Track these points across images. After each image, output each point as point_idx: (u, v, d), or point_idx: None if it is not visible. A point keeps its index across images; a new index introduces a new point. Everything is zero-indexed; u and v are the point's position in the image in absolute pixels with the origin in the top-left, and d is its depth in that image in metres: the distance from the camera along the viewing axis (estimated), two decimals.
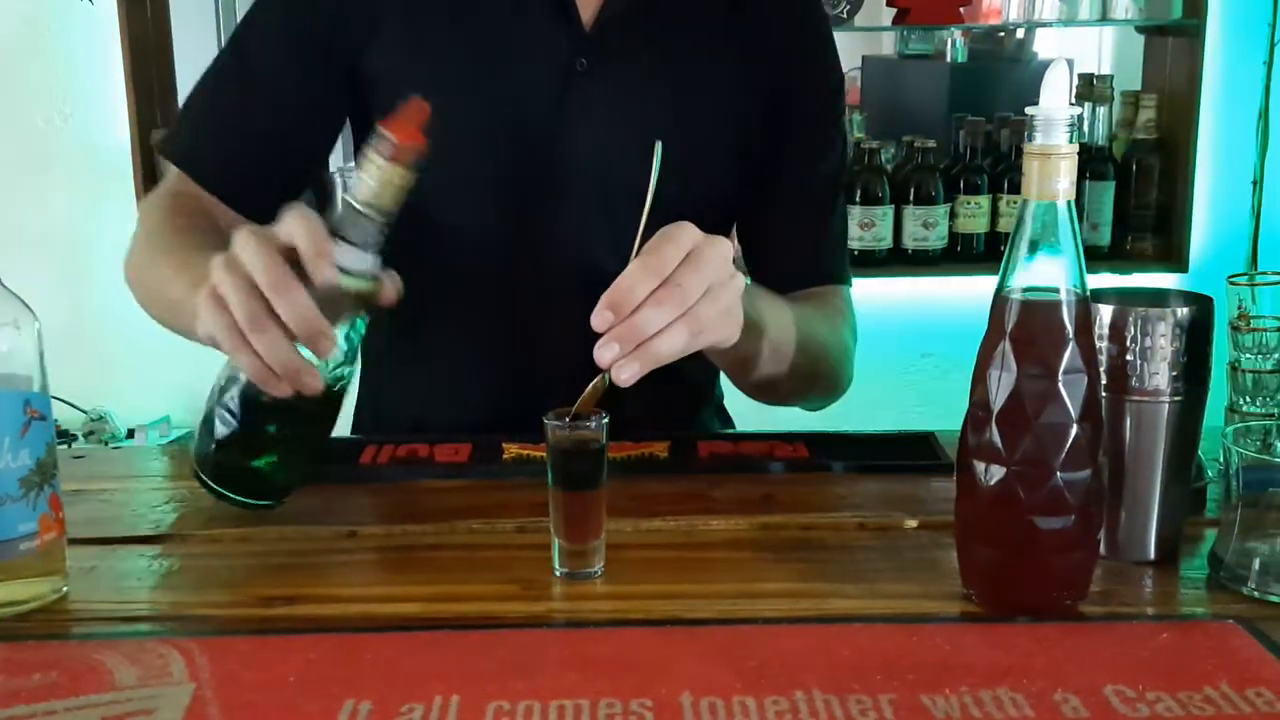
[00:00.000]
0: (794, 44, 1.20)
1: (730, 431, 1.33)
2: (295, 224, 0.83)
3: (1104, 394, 0.81)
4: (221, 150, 1.14)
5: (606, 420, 0.85)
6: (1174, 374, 0.83)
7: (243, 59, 1.16)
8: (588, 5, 1.12)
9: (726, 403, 1.36)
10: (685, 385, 1.26)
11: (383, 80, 1.13)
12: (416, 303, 1.02)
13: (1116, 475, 0.84)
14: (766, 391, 1.13)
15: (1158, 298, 0.86)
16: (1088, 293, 0.78)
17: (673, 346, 0.83)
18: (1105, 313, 0.83)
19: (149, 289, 1.09)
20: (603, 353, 0.81)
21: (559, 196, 1.14)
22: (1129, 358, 0.83)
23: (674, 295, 0.82)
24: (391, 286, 0.88)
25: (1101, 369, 0.81)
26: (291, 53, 1.14)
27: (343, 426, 1.25)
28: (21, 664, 0.73)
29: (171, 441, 2.46)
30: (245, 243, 0.82)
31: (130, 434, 2.51)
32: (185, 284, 0.94)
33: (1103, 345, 0.83)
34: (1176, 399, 0.84)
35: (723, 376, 1.31)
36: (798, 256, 1.22)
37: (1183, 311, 0.83)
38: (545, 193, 1.14)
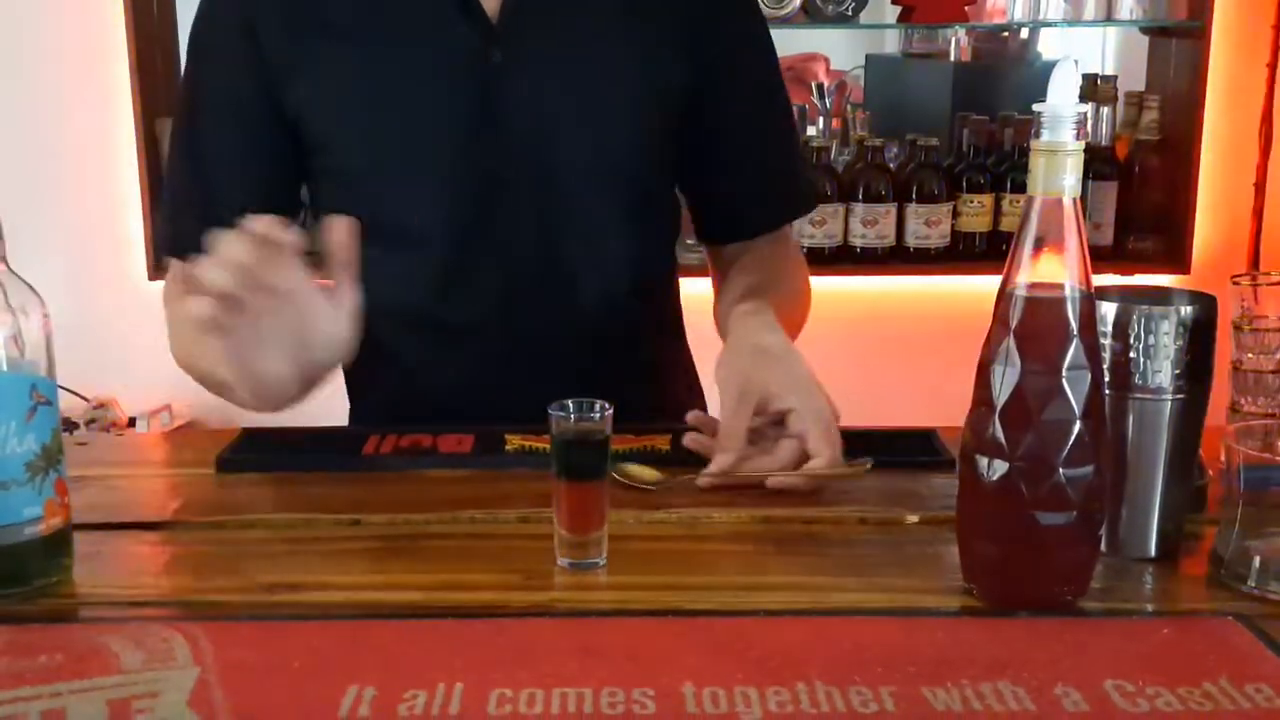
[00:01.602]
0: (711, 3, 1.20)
1: None
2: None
3: (1107, 391, 0.81)
4: (200, 230, 1.15)
5: (610, 411, 0.85)
6: (1176, 372, 0.83)
7: (191, 137, 1.18)
8: None
9: None
10: (651, 365, 1.29)
11: (304, 114, 1.14)
12: (382, 317, 1.03)
13: (1118, 472, 0.84)
14: None
15: (1161, 296, 0.86)
16: (1092, 290, 0.78)
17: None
18: (1109, 310, 0.84)
19: (200, 373, 1.13)
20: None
21: (501, 189, 1.15)
22: (1132, 355, 0.83)
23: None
24: None
25: (1105, 366, 0.82)
26: (230, 115, 1.16)
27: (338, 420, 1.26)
28: (27, 646, 0.74)
29: (174, 430, 2.46)
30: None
31: (132, 422, 2.51)
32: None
33: (1106, 343, 0.83)
34: (1179, 397, 0.84)
35: (690, 354, 1.35)
36: (758, 207, 1.27)
37: (1186, 310, 0.83)
38: (487, 188, 1.15)
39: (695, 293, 1.33)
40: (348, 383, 1.28)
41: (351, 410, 1.32)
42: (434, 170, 1.15)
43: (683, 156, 1.24)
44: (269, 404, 1.00)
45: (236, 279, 0.87)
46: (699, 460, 1.02)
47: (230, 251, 0.87)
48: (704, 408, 1.33)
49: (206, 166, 1.17)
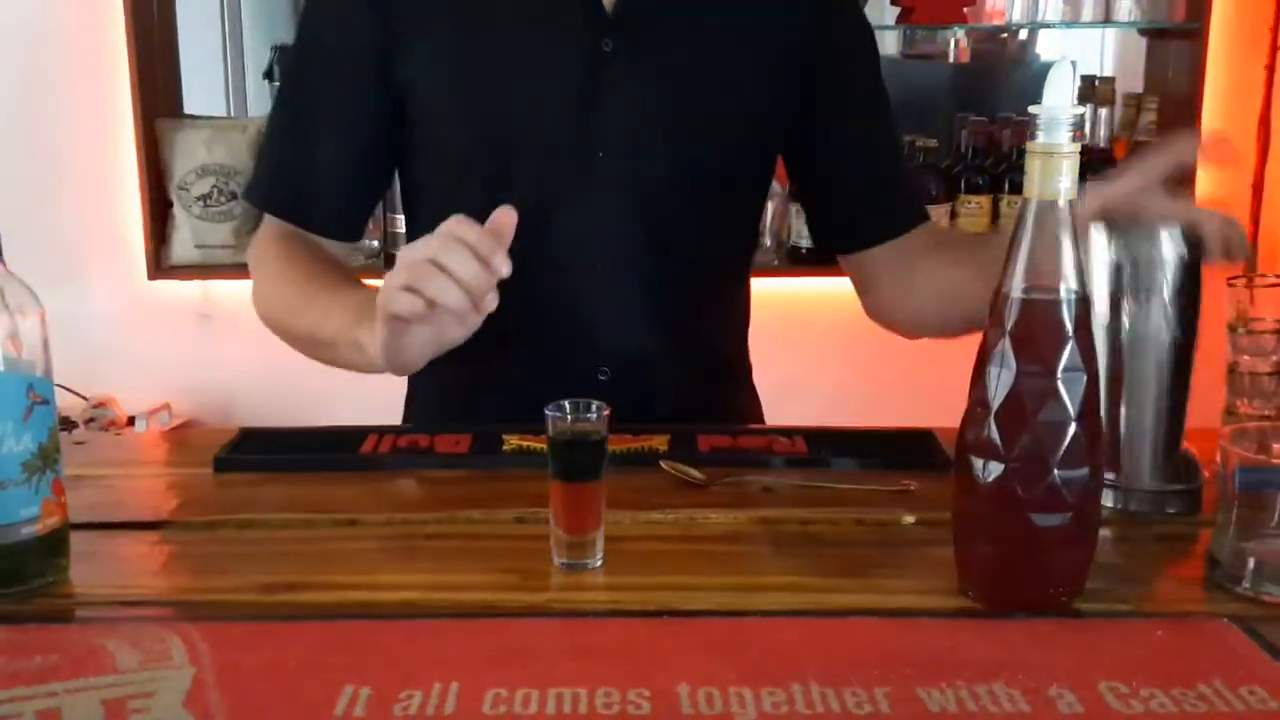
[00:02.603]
0: (825, 6, 1.20)
1: (729, 426, 1.33)
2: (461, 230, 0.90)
3: (1106, 322, 0.90)
4: (296, 188, 1.19)
5: (607, 412, 0.85)
6: (1172, 306, 0.91)
7: (297, 93, 1.20)
8: None
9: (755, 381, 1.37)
10: (719, 362, 1.28)
11: (415, 87, 1.15)
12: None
13: (1115, 401, 0.91)
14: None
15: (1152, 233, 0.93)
16: (1088, 292, 0.78)
17: None
18: (1102, 244, 0.90)
19: (284, 324, 1.14)
20: None
21: (596, 180, 1.15)
22: (1128, 276, 0.90)
23: None
24: None
25: (1101, 300, 0.89)
26: (340, 75, 1.17)
27: (378, 414, 1.27)
28: (23, 646, 0.74)
29: (172, 430, 2.46)
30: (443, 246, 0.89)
31: (131, 421, 2.51)
32: (317, 315, 1.06)
33: (1107, 275, 0.90)
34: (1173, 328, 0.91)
35: (750, 354, 1.34)
36: (884, 205, 1.26)
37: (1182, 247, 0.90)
38: (582, 177, 1.15)
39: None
40: (419, 382, 1.29)
41: (410, 398, 1.31)
42: (530, 153, 1.15)
43: (797, 168, 1.25)
44: (389, 371, 1.00)
45: (481, 282, 0.88)
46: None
47: (479, 245, 0.88)
48: (759, 409, 1.34)
49: (309, 125, 1.18)
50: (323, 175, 1.18)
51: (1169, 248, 0.90)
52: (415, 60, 1.14)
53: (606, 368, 1.18)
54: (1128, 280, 0.92)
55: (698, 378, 1.23)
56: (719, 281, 1.24)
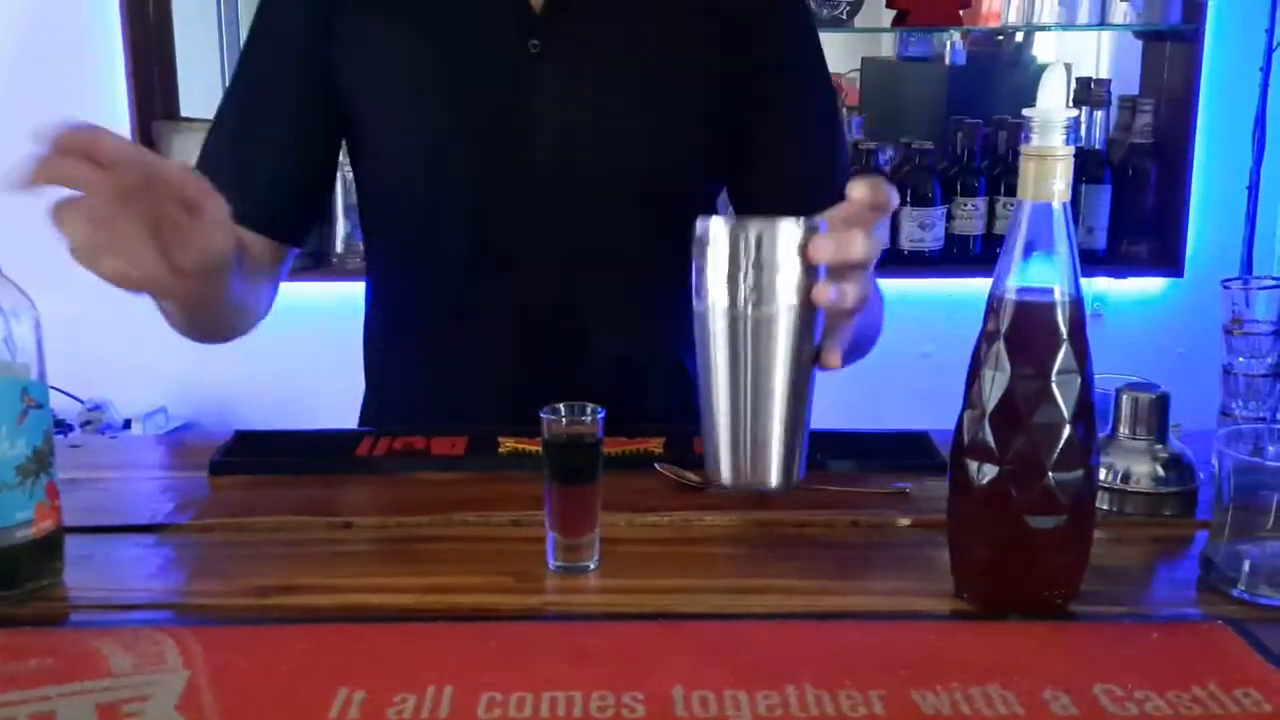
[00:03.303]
0: (770, 11, 1.18)
1: None
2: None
3: (721, 313, 0.79)
4: (232, 178, 1.15)
5: (603, 415, 0.85)
6: (791, 288, 0.78)
7: (240, 87, 1.20)
8: None
9: None
10: (681, 368, 1.27)
11: (354, 90, 1.16)
12: (410, 299, 1.03)
13: (736, 395, 0.80)
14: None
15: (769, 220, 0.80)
16: (1082, 294, 0.78)
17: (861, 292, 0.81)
18: (719, 230, 0.79)
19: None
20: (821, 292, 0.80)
21: (532, 180, 1.15)
22: (745, 274, 0.78)
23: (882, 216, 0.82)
24: None
25: (719, 289, 0.78)
26: (281, 75, 1.17)
27: (348, 423, 1.26)
28: (18, 650, 0.74)
29: (169, 432, 2.46)
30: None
31: (127, 424, 2.51)
32: None
33: (720, 264, 0.79)
34: (791, 316, 0.79)
35: None
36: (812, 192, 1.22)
37: (795, 228, 0.78)
38: (517, 179, 1.15)
39: None
40: (367, 373, 1.29)
41: (367, 401, 1.31)
42: (467, 155, 1.14)
43: (727, 160, 1.21)
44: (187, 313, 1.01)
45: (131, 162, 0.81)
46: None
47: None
48: None
49: (249, 123, 1.18)
50: (259, 172, 1.16)
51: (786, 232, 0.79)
52: (353, 62, 1.14)
53: (560, 363, 1.17)
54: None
55: (680, 384, 1.21)
56: (674, 284, 1.22)
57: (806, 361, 0.81)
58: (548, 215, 1.15)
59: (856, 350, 1.12)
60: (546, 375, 1.16)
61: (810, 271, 0.79)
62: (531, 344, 1.18)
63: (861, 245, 0.78)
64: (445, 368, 1.22)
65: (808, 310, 0.80)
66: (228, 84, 1.22)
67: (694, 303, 0.81)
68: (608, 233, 1.17)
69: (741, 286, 0.79)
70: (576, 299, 1.18)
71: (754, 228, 0.79)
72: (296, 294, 2.52)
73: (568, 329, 1.18)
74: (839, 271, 0.79)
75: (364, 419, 1.30)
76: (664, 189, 1.17)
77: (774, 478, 0.81)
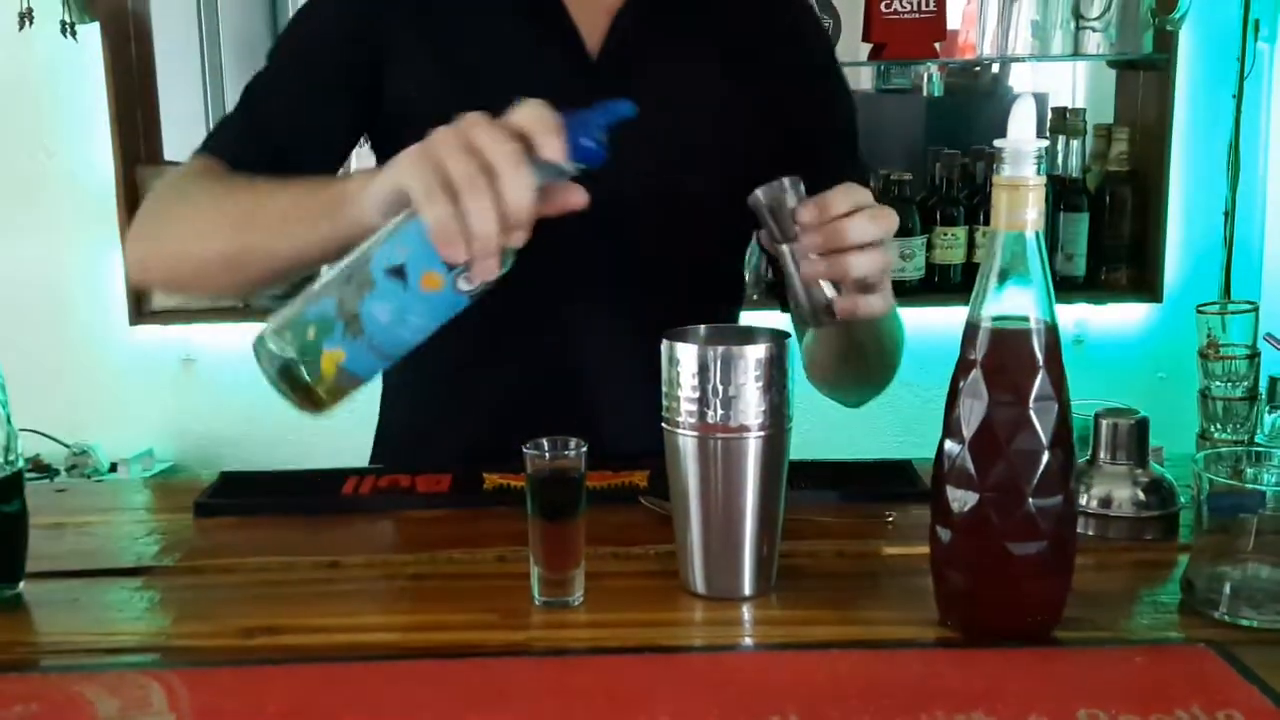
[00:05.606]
0: (798, 63, 1.22)
1: None
2: (526, 109, 0.83)
3: (692, 435, 0.84)
4: (270, 144, 1.14)
5: (585, 449, 0.86)
6: (760, 409, 0.84)
7: (272, 78, 1.17)
8: (593, 34, 1.14)
9: None
10: None
11: (400, 133, 1.14)
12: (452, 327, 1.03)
13: (707, 512, 0.86)
14: (845, 380, 1.19)
15: (742, 336, 0.88)
16: (1057, 322, 0.79)
17: (875, 266, 0.90)
18: (688, 353, 0.85)
19: (197, 226, 1.06)
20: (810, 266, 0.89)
21: (574, 225, 1.14)
22: (714, 396, 0.84)
23: (878, 218, 0.90)
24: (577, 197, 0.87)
25: (689, 410, 0.84)
26: (312, 72, 1.16)
27: (360, 456, 1.25)
28: (2, 696, 0.73)
29: (154, 475, 2.45)
30: (477, 121, 0.82)
31: (113, 467, 2.50)
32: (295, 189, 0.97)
33: (689, 386, 0.84)
34: (761, 434, 0.84)
35: None
36: None
37: (763, 349, 0.84)
38: (562, 226, 1.15)
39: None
40: (384, 396, 1.29)
41: (381, 423, 1.31)
42: None
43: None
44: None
45: (508, 154, 0.81)
46: None
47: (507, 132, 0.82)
48: None
49: (275, 108, 1.16)
50: (291, 151, 1.13)
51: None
52: (397, 97, 1.14)
53: (588, 401, 1.18)
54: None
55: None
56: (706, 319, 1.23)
57: (775, 477, 0.86)
58: (582, 254, 1.13)
59: (866, 367, 1.16)
60: (572, 406, 1.16)
61: (781, 389, 0.85)
62: (550, 370, 1.17)
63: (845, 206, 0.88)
64: (465, 400, 1.21)
65: (777, 429, 0.85)
66: (265, 66, 1.19)
67: (662, 422, 0.87)
68: (641, 278, 1.16)
69: (710, 407, 0.84)
70: (618, 334, 1.16)
71: (721, 350, 0.84)
72: None
73: (600, 363, 1.18)
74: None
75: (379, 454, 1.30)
76: (699, 248, 1.18)
77: (747, 587, 0.87)
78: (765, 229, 0.92)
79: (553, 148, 0.82)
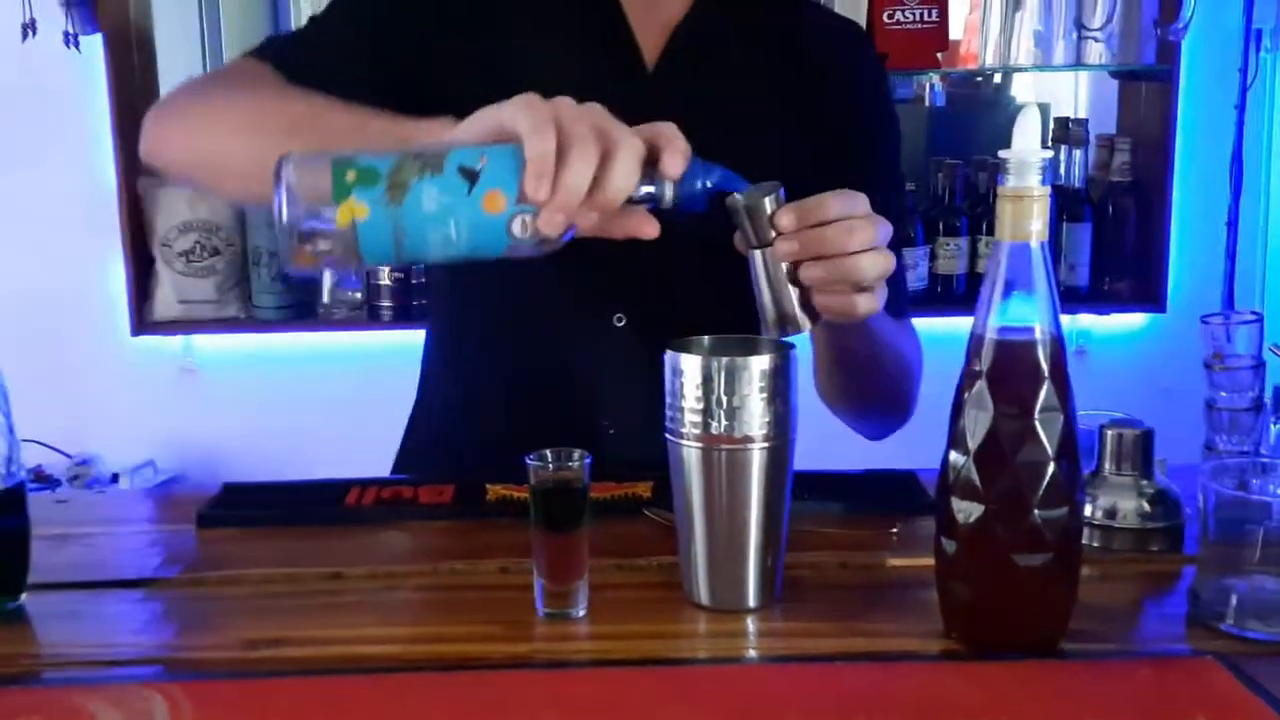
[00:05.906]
0: (853, 87, 1.22)
1: None
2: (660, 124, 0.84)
3: (696, 446, 0.84)
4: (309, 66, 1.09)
5: (589, 460, 0.86)
6: (764, 420, 0.84)
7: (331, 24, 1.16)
8: (651, 48, 1.15)
9: None
10: None
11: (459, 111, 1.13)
12: (481, 338, 1.02)
13: (711, 523, 0.85)
14: (848, 396, 1.17)
15: (745, 347, 0.87)
16: (1062, 332, 0.79)
17: (874, 270, 0.90)
18: (692, 364, 0.84)
19: (243, 119, 1.02)
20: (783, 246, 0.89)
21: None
22: (718, 407, 0.83)
23: (862, 228, 0.89)
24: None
25: (693, 421, 0.84)
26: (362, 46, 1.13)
27: (363, 467, 1.25)
28: (4, 710, 0.73)
29: (157, 485, 2.45)
30: (602, 109, 0.82)
31: (115, 478, 2.50)
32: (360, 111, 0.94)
33: (692, 397, 0.84)
34: (765, 445, 0.84)
35: None
36: None
37: (766, 361, 0.84)
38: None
39: None
40: (423, 383, 1.29)
41: (416, 411, 1.31)
42: None
43: None
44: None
45: (629, 135, 0.82)
46: None
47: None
48: None
49: (331, 51, 1.13)
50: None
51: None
52: (452, 84, 1.09)
53: (610, 422, 1.17)
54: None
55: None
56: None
57: (780, 489, 0.86)
58: (628, 271, 1.13)
59: (865, 381, 1.15)
60: (597, 427, 1.16)
61: (785, 400, 0.84)
62: (591, 393, 1.17)
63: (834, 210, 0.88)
64: (496, 421, 1.21)
65: (781, 440, 0.85)
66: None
67: (666, 433, 0.86)
68: (685, 293, 1.16)
69: (714, 418, 0.84)
70: (649, 355, 1.16)
71: (725, 361, 0.84)
72: (283, 344, 2.53)
73: (629, 382, 1.16)
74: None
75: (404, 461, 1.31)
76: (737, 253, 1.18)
77: (751, 599, 0.87)
78: (740, 232, 0.91)
79: (676, 166, 0.83)
